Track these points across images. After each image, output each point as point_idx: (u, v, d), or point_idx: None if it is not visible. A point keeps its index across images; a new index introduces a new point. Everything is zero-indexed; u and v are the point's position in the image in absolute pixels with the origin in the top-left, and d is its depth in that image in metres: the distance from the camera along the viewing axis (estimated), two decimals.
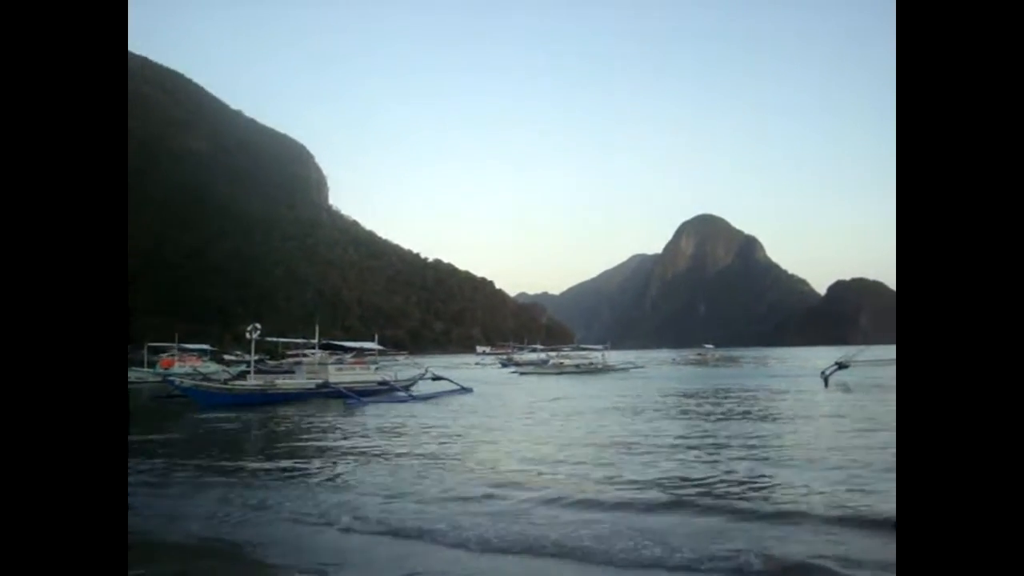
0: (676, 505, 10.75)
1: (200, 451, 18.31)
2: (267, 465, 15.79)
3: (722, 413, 26.10)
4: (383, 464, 15.44)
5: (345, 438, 20.57)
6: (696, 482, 12.63)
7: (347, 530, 9.63)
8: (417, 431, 21.87)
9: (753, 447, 16.90)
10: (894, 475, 12.79)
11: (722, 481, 12.67)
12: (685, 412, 27.35)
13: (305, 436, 21.67)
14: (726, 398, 33.62)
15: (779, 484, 12.31)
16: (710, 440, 18.33)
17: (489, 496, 11.51)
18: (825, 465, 14.14)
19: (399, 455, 16.69)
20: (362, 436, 20.98)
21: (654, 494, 11.52)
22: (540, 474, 13.71)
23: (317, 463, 15.97)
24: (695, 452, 16.19)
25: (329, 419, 26.38)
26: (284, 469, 15.12)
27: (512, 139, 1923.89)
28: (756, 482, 12.58)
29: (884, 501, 10.36)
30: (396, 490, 12.22)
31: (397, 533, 9.39)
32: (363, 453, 17.15)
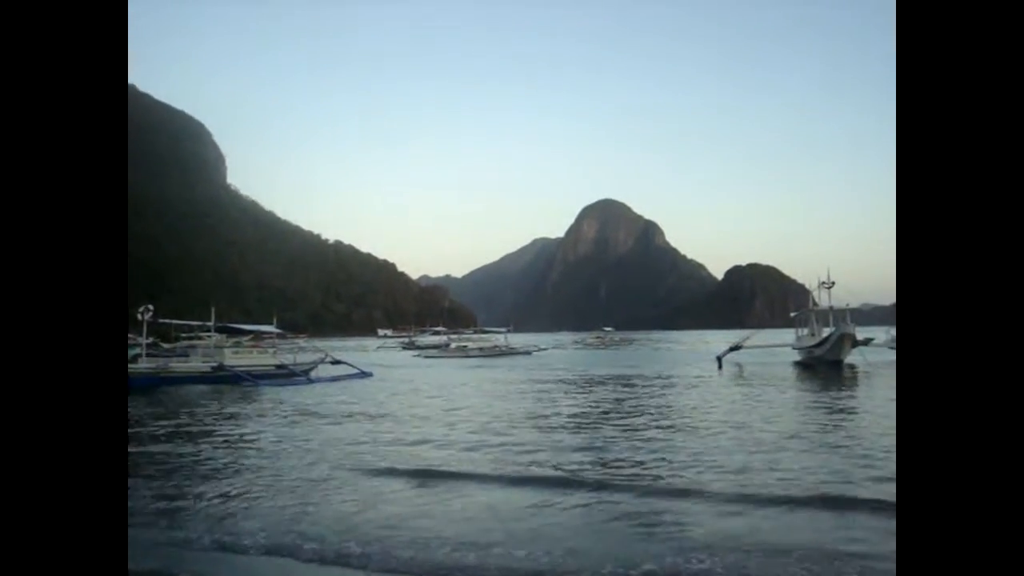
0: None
1: None
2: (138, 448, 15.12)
3: (619, 398, 26.63)
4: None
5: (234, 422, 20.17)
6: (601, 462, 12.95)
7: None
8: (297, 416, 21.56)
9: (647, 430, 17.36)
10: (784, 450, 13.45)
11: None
12: (586, 395, 27.79)
13: (186, 421, 20.89)
14: (624, 383, 34.31)
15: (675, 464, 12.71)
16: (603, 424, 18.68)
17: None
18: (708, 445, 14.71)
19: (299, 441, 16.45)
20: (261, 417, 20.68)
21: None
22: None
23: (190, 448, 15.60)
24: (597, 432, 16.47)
25: (221, 404, 25.74)
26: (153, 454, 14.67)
27: (415, 122, 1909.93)
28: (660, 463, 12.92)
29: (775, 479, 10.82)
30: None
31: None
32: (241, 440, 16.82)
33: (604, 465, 12.51)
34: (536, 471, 12.10)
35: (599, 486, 10.79)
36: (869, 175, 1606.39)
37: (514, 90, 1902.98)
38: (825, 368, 38.09)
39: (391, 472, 12.16)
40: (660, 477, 11.52)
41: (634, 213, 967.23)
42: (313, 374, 37.99)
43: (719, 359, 43.30)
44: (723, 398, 24.64)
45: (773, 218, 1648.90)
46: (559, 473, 11.89)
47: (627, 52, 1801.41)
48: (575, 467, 12.36)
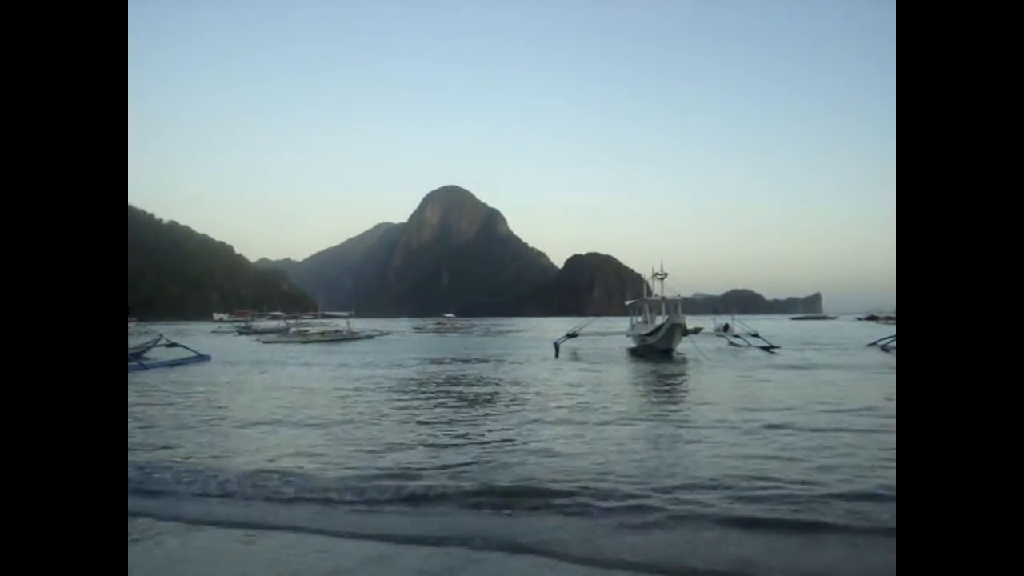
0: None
1: None
2: None
3: (462, 384, 27.07)
4: None
5: None
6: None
7: None
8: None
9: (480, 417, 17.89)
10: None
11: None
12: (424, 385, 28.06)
13: None
14: (462, 369, 34.81)
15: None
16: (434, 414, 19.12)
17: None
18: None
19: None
20: None
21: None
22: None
23: None
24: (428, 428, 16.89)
25: None
26: None
27: (257, 98, 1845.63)
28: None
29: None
30: None
31: None
32: None
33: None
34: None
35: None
36: (702, 168, 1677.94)
37: (358, 72, 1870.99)
38: (656, 355, 39.82)
39: None
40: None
41: (478, 200, 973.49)
42: (148, 357, 36.47)
43: (556, 345, 44.38)
44: (558, 384, 25.40)
45: (612, 210, 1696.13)
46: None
47: (470, 36, 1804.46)
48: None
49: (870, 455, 11.33)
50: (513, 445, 12.81)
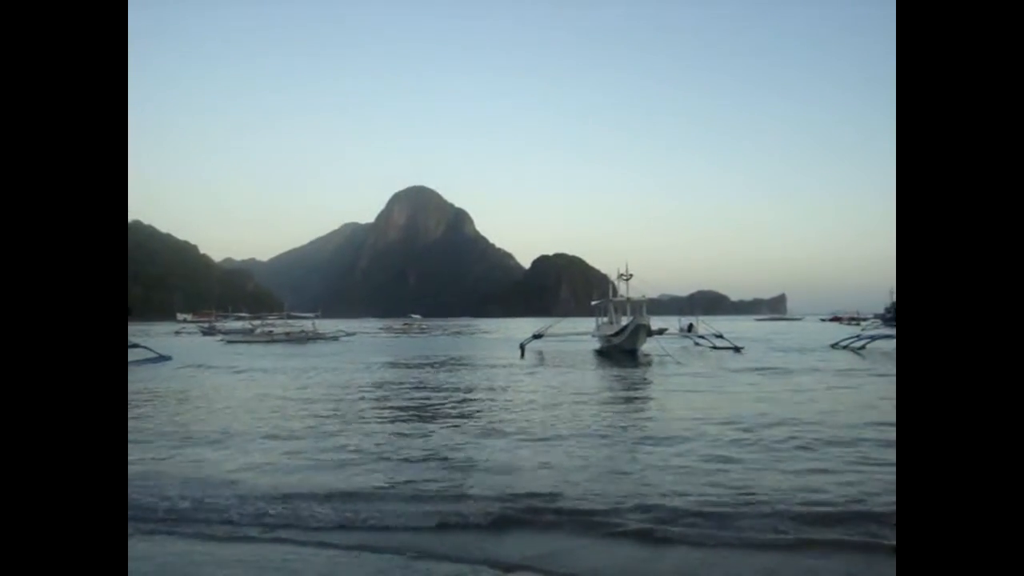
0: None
1: None
2: None
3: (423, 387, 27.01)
4: None
5: None
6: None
7: None
8: None
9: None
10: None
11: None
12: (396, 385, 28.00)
13: None
14: (425, 370, 34.77)
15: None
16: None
17: None
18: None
19: None
20: None
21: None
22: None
23: None
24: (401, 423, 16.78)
25: None
26: None
27: (221, 97, 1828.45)
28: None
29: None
30: None
31: None
32: None
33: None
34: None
35: None
36: (670, 170, 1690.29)
37: (324, 71, 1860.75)
38: (621, 356, 40.06)
39: None
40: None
41: (445, 201, 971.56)
42: None
43: (522, 346, 44.48)
44: (523, 393, 25.38)
45: (580, 211, 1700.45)
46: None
47: (437, 37, 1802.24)
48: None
49: (843, 462, 11.52)
50: (473, 461, 12.21)
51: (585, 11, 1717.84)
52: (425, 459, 12.43)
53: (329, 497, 9.63)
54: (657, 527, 8.21)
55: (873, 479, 10.27)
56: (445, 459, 12.40)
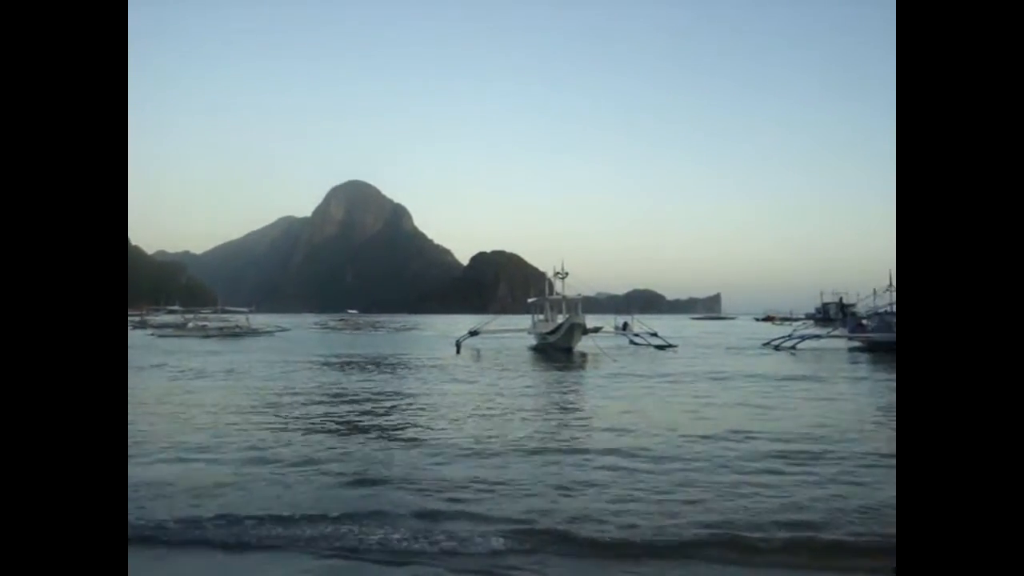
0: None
1: None
2: None
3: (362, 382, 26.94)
4: None
5: None
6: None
7: None
8: None
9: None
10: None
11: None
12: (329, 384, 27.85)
13: None
14: (363, 367, 34.63)
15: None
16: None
17: None
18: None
19: None
20: None
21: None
22: None
23: None
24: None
25: None
26: None
27: (153, 87, 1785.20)
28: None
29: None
30: None
31: None
32: None
33: None
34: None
35: None
36: (609, 169, 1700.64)
37: (261, 64, 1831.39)
38: (556, 353, 40.41)
39: None
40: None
41: (383, 196, 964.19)
42: None
43: (458, 343, 44.60)
44: (455, 398, 25.31)
45: (519, 208, 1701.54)
46: None
47: (378, 30, 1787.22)
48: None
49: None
50: (409, 479, 10.89)
51: (531, 7, 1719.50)
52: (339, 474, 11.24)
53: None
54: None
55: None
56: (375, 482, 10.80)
